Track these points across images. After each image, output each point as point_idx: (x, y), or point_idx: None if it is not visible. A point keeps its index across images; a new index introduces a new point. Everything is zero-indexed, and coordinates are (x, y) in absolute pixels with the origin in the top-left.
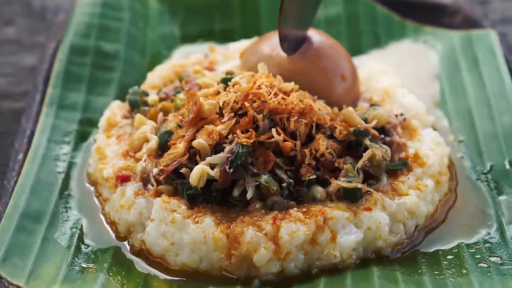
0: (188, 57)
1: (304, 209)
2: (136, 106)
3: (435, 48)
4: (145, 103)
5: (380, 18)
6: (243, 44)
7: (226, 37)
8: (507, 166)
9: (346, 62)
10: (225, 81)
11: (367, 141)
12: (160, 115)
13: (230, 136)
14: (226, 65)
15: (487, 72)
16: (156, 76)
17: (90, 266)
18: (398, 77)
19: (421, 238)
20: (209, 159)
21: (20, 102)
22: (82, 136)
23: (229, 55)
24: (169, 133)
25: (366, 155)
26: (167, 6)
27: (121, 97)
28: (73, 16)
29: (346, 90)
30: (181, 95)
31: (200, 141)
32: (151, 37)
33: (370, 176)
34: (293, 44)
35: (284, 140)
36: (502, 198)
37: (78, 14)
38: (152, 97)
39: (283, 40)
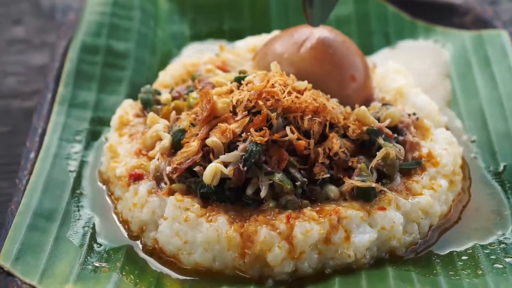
0: (198, 55)
1: (318, 208)
2: (149, 104)
3: (446, 48)
4: (158, 102)
5: (391, 18)
6: (249, 41)
7: (236, 35)
8: None
9: (358, 61)
10: (239, 80)
11: (380, 140)
12: (173, 113)
13: (243, 135)
14: (237, 64)
15: (499, 72)
16: (168, 75)
17: (103, 265)
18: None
19: (435, 238)
20: (222, 157)
21: (29, 101)
22: (94, 135)
23: (240, 54)
24: (182, 131)
25: (380, 154)
26: (177, 5)
27: (132, 96)
28: (84, 15)
29: (357, 89)
30: (194, 94)
31: (214, 139)
32: (161, 36)
33: (383, 176)
34: (319, 15)
35: (298, 139)
36: None
37: (89, 13)
38: (165, 96)
39: (307, 7)
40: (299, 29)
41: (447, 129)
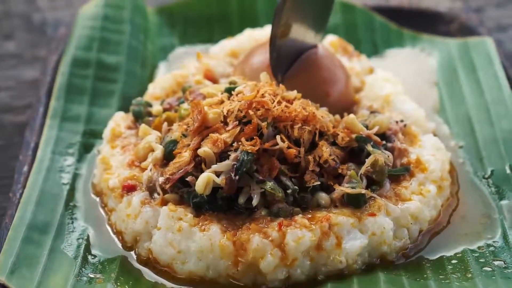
0: (184, 64)
1: (309, 216)
2: (140, 116)
3: (433, 56)
4: (149, 114)
5: (378, 27)
6: (224, 45)
7: None
8: (508, 171)
9: (333, 75)
10: (229, 91)
11: (369, 147)
12: (165, 125)
13: (235, 144)
14: (221, 68)
15: (485, 78)
16: (158, 87)
17: (98, 276)
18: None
19: (425, 242)
20: (214, 167)
21: (21, 116)
22: (86, 148)
23: (220, 58)
24: (174, 142)
25: (369, 161)
26: (166, 18)
27: (124, 108)
28: (74, 29)
29: (333, 104)
30: (185, 105)
31: (206, 150)
32: (151, 49)
33: (373, 182)
34: (284, 69)
35: (288, 147)
36: (504, 202)
37: (79, 28)
38: (156, 108)
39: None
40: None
41: (435, 135)
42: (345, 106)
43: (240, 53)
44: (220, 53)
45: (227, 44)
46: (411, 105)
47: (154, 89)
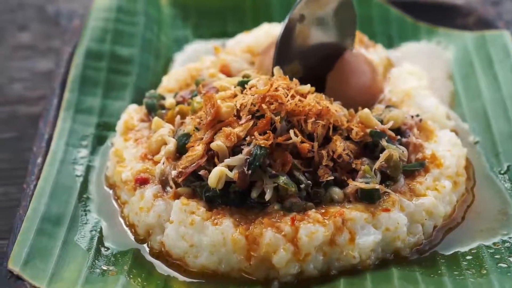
0: (201, 55)
1: (323, 211)
2: (153, 109)
3: (449, 49)
4: (162, 107)
5: (393, 20)
6: (240, 39)
7: None
8: None
9: (361, 79)
10: (242, 84)
11: (383, 142)
12: (178, 118)
13: (248, 138)
14: (237, 64)
15: (502, 72)
16: (172, 80)
17: (111, 268)
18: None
19: (440, 238)
20: (227, 161)
21: (35, 107)
22: (99, 140)
23: (237, 54)
24: (187, 135)
25: (383, 156)
26: (180, 10)
27: (137, 101)
28: (88, 21)
29: (359, 101)
30: (198, 98)
31: (219, 143)
32: (165, 41)
33: (387, 177)
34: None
35: (302, 142)
36: None
37: (93, 19)
38: (169, 101)
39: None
40: None
41: (455, 132)
42: (368, 101)
43: (257, 50)
44: (237, 48)
45: (244, 39)
46: (432, 101)
47: (168, 82)
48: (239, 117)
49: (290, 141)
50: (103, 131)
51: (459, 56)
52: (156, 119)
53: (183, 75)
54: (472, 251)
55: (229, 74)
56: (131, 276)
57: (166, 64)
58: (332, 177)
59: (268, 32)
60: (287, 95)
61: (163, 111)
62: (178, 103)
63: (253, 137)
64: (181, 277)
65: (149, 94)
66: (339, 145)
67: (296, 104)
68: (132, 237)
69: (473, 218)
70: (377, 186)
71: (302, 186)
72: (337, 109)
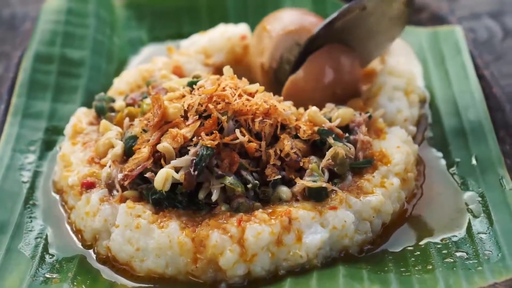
0: (154, 57)
1: (270, 210)
2: (103, 112)
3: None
4: (112, 109)
5: None
6: (195, 40)
7: None
8: (473, 162)
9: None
10: (191, 85)
11: (330, 140)
12: (126, 120)
13: (195, 139)
14: (190, 65)
15: (453, 69)
16: (123, 82)
17: (54, 276)
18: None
19: (389, 235)
20: (173, 163)
21: None
22: (48, 145)
23: (191, 55)
24: (134, 138)
25: (328, 154)
26: (134, 11)
27: (88, 104)
28: (38, 24)
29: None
30: (148, 100)
31: (165, 145)
32: (118, 43)
33: (335, 175)
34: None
35: (249, 141)
36: (469, 193)
37: (43, 22)
38: (119, 103)
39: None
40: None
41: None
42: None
43: (213, 52)
44: (192, 49)
45: (198, 40)
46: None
47: (119, 84)
48: (186, 118)
49: (237, 141)
50: (52, 136)
51: (414, 52)
52: (103, 122)
53: (135, 77)
54: (421, 248)
55: (182, 75)
56: (75, 283)
57: (119, 67)
58: (280, 176)
59: (224, 34)
60: (234, 94)
61: (113, 114)
62: (128, 105)
63: (200, 137)
64: (128, 283)
65: (99, 97)
66: (287, 144)
67: (243, 103)
68: (78, 244)
69: (422, 215)
70: (324, 185)
71: (249, 186)
72: (285, 108)
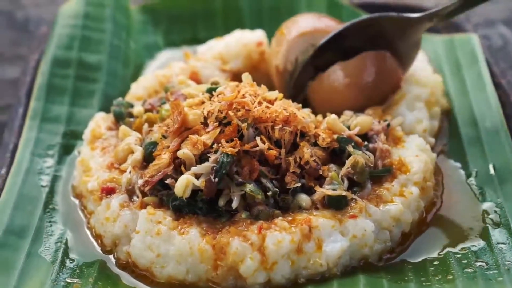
0: (171, 62)
1: (290, 218)
2: (121, 117)
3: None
4: (130, 115)
5: None
6: (212, 45)
7: None
8: (491, 171)
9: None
10: (210, 91)
11: (350, 148)
12: (145, 126)
13: (215, 146)
14: (207, 71)
15: (470, 77)
16: (141, 87)
17: (75, 281)
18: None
19: (408, 245)
20: (194, 169)
21: (1, 116)
22: (66, 149)
23: (208, 60)
24: (154, 144)
25: (348, 162)
26: (150, 16)
27: (105, 109)
28: (55, 28)
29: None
30: (167, 106)
31: (185, 151)
32: (134, 47)
33: (354, 184)
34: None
35: (269, 149)
36: (487, 203)
37: (60, 26)
38: (137, 108)
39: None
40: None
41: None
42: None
43: (229, 58)
44: (208, 54)
45: (215, 46)
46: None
47: (137, 89)
48: (206, 125)
49: (257, 148)
50: (70, 140)
51: (429, 61)
52: (123, 128)
53: (152, 82)
54: (440, 257)
55: (199, 81)
56: None
57: (136, 72)
58: (300, 184)
59: (240, 40)
60: (254, 101)
61: (131, 119)
62: (146, 110)
63: (220, 144)
64: None
65: (117, 102)
66: (306, 152)
67: (263, 111)
68: (98, 248)
69: (441, 224)
70: (344, 193)
71: (269, 193)
72: (304, 115)
